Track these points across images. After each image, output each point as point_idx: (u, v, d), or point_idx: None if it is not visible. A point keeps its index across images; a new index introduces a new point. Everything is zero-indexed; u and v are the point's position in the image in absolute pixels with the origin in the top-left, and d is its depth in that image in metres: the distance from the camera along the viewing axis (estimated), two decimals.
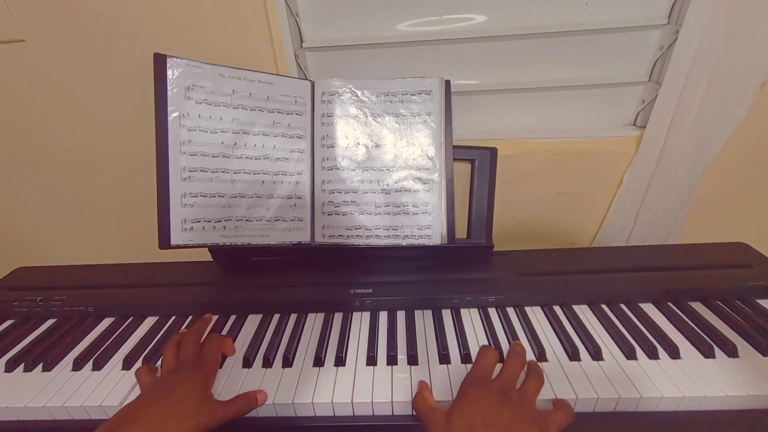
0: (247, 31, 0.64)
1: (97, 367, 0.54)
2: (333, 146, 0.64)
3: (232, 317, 0.61)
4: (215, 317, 0.61)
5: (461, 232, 0.67)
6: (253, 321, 0.60)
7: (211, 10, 0.63)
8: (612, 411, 0.46)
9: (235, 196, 0.60)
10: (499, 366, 0.48)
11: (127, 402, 0.48)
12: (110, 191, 0.83)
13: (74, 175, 0.81)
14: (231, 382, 0.50)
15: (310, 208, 0.65)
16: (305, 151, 0.64)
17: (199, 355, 0.49)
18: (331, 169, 0.64)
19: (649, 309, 0.58)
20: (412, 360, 0.51)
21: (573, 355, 0.50)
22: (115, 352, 0.56)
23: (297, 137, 0.64)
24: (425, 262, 0.66)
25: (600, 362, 0.50)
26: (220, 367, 0.52)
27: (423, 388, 0.46)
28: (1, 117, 0.75)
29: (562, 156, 0.72)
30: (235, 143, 0.60)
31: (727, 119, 0.64)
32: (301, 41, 0.69)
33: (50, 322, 0.63)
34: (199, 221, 0.58)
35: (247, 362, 0.52)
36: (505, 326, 0.56)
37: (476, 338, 0.55)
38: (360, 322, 0.59)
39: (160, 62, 0.55)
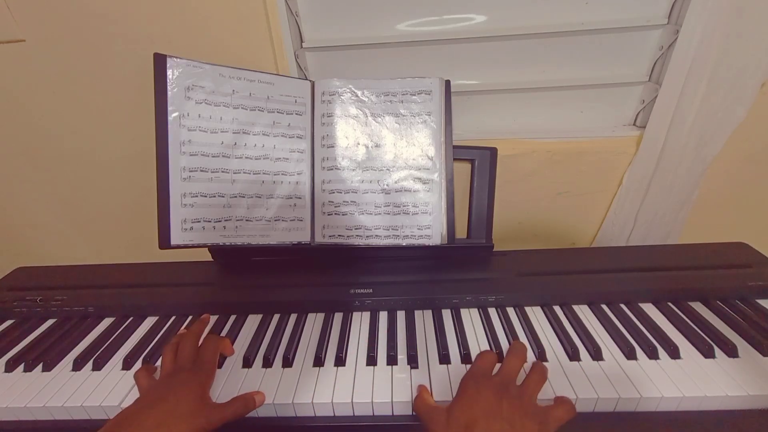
0: (247, 31, 0.64)
1: (97, 367, 0.54)
2: (333, 146, 0.64)
3: (232, 317, 0.61)
4: (214, 318, 0.61)
5: (461, 232, 0.67)
6: (253, 321, 0.60)
7: (211, 10, 0.63)
8: (612, 411, 0.46)
9: (235, 196, 0.60)
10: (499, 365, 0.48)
11: (126, 402, 0.48)
12: (110, 191, 0.83)
13: (74, 175, 0.81)
14: (231, 382, 0.50)
15: (310, 208, 0.65)
16: (305, 151, 0.64)
17: (197, 357, 0.49)
18: (331, 169, 0.64)
19: (649, 309, 0.58)
20: (412, 360, 0.51)
21: (573, 355, 0.50)
22: (115, 352, 0.56)
23: (297, 137, 0.64)
24: (425, 262, 0.66)
25: (600, 362, 0.50)
26: (220, 368, 0.52)
27: (422, 391, 0.46)
28: (1, 117, 0.75)
29: (562, 156, 0.72)
30: (235, 143, 0.60)
31: (727, 119, 0.64)
32: (301, 41, 0.69)
33: (50, 322, 0.63)
34: (199, 221, 0.58)
35: (247, 362, 0.52)
36: (505, 326, 0.56)
37: (476, 338, 0.55)
38: (360, 322, 0.59)
39: (160, 62, 0.55)
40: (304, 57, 0.70)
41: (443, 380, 0.48)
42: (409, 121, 0.64)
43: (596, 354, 0.50)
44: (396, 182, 0.64)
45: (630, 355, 0.50)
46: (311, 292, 0.62)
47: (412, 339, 0.54)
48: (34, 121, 0.76)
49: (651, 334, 0.53)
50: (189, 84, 0.56)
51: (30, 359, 0.55)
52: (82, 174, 0.81)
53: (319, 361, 0.52)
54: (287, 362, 0.52)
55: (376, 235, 0.64)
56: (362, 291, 0.61)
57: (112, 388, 0.50)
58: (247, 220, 0.62)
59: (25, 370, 0.54)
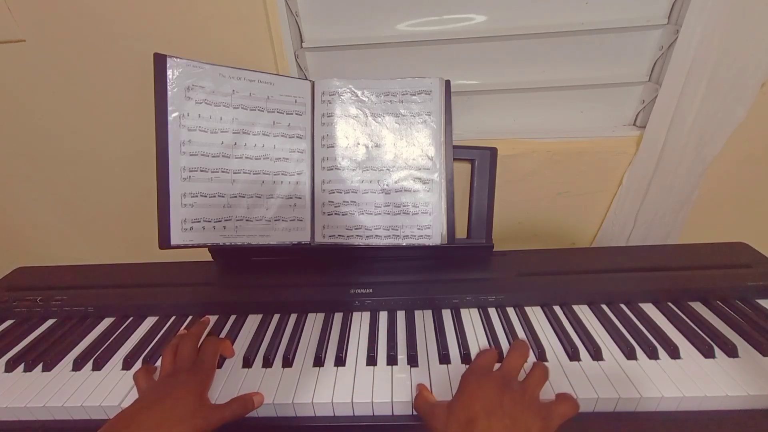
0: (247, 31, 0.64)
1: (97, 367, 0.54)
2: (333, 146, 0.64)
3: (232, 317, 0.61)
4: (214, 317, 0.61)
5: (461, 232, 0.67)
6: (253, 321, 0.60)
7: (211, 10, 0.63)
8: (612, 411, 0.46)
9: (235, 196, 0.60)
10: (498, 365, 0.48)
11: (126, 402, 0.48)
12: (110, 191, 0.83)
13: (74, 175, 0.81)
14: (231, 382, 0.50)
15: (310, 208, 0.65)
16: (305, 151, 0.64)
17: (196, 358, 0.49)
18: (331, 169, 0.64)
19: (649, 309, 0.58)
20: (412, 360, 0.51)
21: (573, 355, 0.50)
22: (115, 352, 0.56)
23: (297, 137, 0.64)
24: (425, 262, 0.66)
25: (600, 362, 0.50)
26: (220, 368, 0.52)
27: (422, 389, 0.46)
28: (1, 117, 0.75)
29: (562, 156, 0.72)
30: (235, 143, 0.60)
31: (727, 119, 0.64)
32: (301, 41, 0.69)
33: (50, 322, 0.63)
34: (199, 221, 0.58)
35: (247, 362, 0.52)
36: (505, 326, 0.56)
37: (476, 338, 0.55)
38: (360, 322, 0.59)
39: (160, 62, 0.55)
40: (304, 57, 0.70)
41: (443, 380, 0.48)
42: (409, 121, 0.64)
43: (596, 354, 0.50)
44: (396, 182, 0.64)
45: (630, 355, 0.50)
46: (311, 292, 0.62)
47: (412, 339, 0.54)
48: (34, 121, 0.76)
49: (651, 334, 0.53)
50: (189, 84, 0.56)
51: (30, 359, 0.55)
52: (82, 174, 0.81)
53: (319, 361, 0.52)
54: (287, 362, 0.52)
55: (376, 235, 0.64)
56: (362, 291, 0.61)
57: (112, 388, 0.50)
58: (247, 220, 0.62)
59: (25, 370, 0.54)
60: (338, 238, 0.65)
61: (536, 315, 0.58)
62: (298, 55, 0.68)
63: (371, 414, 0.47)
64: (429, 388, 0.47)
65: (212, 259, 0.69)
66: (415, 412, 0.46)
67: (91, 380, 0.52)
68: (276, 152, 0.62)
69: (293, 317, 0.60)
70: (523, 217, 0.81)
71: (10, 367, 0.54)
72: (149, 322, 0.62)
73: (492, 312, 0.59)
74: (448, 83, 0.64)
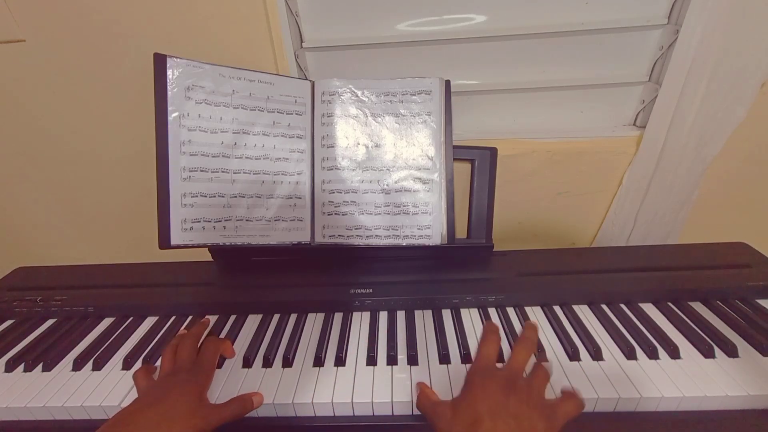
0: (247, 31, 0.64)
1: (97, 367, 0.54)
2: (333, 146, 0.64)
3: (232, 317, 0.61)
4: (214, 317, 0.61)
5: (461, 232, 0.67)
6: (253, 321, 0.60)
7: (211, 10, 0.63)
8: (612, 411, 0.46)
9: (235, 196, 0.60)
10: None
11: (126, 402, 0.48)
12: (110, 191, 0.83)
13: (74, 175, 0.81)
14: (231, 382, 0.50)
15: (310, 208, 0.65)
16: (305, 151, 0.64)
17: (196, 358, 0.49)
18: (331, 169, 0.64)
19: (649, 309, 0.58)
20: (412, 360, 0.51)
21: (573, 355, 0.50)
22: (115, 352, 0.56)
23: (297, 137, 0.64)
24: (425, 262, 0.66)
25: (600, 362, 0.50)
26: (220, 368, 0.52)
27: (424, 388, 0.46)
28: (1, 117, 0.75)
29: (562, 156, 0.72)
30: (235, 143, 0.60)
31: (727, 119, 0.64)
32: (301, 41, 0.69)
33: (50, 322, 0.63)
34: (199, 221, 0.58)
35: (247, 362, 0.52)
36: (505, 326, 0.56)
37: (476, 338, 0.55)
38: (360, 322, 0.59)
39: (160, 62, 0.55)
40: (304, 57, 0.70)
41: (443, 380, 0.48)
42: (409, 121, 0.64)
43: (596, 354, 0.50)
44: (396, 182, 0.64)
45: (630, 355, 0.50)
46: (311, 292, 0.62)
47: (412, 339, 0.54)
48: (34, 121, 0.76)
49: (651, 334, 0.53)
50: (189, 84, 0.56)
51: (30, 359, 0.55)
52: (82, 174, 0.81)
53: (319, 361, 0.52)
54: (287, 362, 0.52)
55: (376, 235, 0.64)
56: (362, 291, 0.61)
57: (112, 388, 0.50)
58: (247, 220, 0.62)
59: (25, 370, 0.54)
60: (338, 238, 0.65)
61: (536, 315, 0.58)
62: (298, 55, 0.68)
63: (371, 414, 0.47)
64: (424, 383, 0.47)
65: (212, 259, 0.69)
66: (416, 412, 0.46)
67: (91, 380, 0.52)
68: (276, 152, 0.62)
69: (293, 317, 0.60)
70: (523, 217, 0.81)
71: (10, 367, 0.54)
72: (149, 322, 0.62)
73: (492, 312, 0.59)
74: (448, 83, 0.64)
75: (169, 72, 0.55)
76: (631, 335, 0.53)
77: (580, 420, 0.43)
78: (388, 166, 0.64)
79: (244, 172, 0.61)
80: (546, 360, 0.50)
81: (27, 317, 0.64)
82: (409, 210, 0.64)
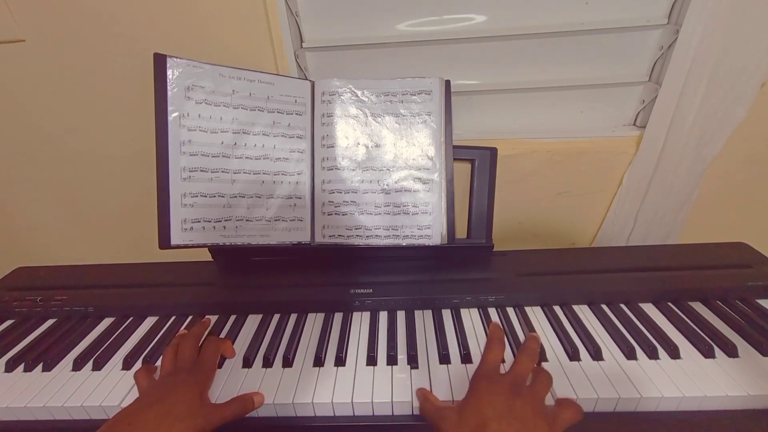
0: (247, 31, 0.64)
1: (97, 367, 0.54)
2: (333, 146, 0.64)
3: (232, 317, 0.61)
4: (214, 317, 0.61)
5: (461, 232, 0.67)
6: (253, 321, 0.60)
7: (211, 10, 0.63)
8: (612, 411, 0.46)
9: (235, 196, 0.60)
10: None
11: (126, 402, 0.48)
12: (110, 191, 0.83)
13: (74, 175, 0.81)
14: (231, 382, 0.50)
15: (310, 208, 0.65)
16: (305, 151, 0.64)
17: (197, 358, 0.49)
18: (331, 169, 0.64)
19: (649, 309, 0.58)
20: (412, 360, 0.51)
21: (573, 355, 0.50)
22: (115, 352, 0.56)
23: (297, 137, 0.64)
24: (425, 262, 0.66)
25: (600, 362, 0.50)
26: (220, 368, 0.52)
27: (427, 394, 0.46)
28: (1, 117, 0.75)
29: (562, 156, 0.72)
30: (235, 143, 0.60)
31: (727, 119, 0.64)
32: (301, 41, 0.69)
33: (50, 322, 0.63)
34: (199, 221, 0.58)
35: (247, 362, 0.52)
36: (505, 326, 0.56)
37: (476, 338, 0.55)
38: (360, 322, 0.59)
39: (160, 62, 0.55)
40: (304, 57, 0.70)
41: (443, 380, 0.48)
42: (409, 121, 0.64)
43: (596, 354, 0.50)
44: (396, 182, 0.64)
45: (630, 355, 0.50)
46: (311, 292, 0.62)
47: (412, 339, 0.54)
48: (34, 121, 0.76)
49: (651, 334, 0.53)
50: (189, 84, 0.56)
51: (30, 359, 0.55)
52: (82, 174, 0.81)
53: (319, 361, 0.52)
54: (287, 362, 0.52)
55: (376, 235, 0.64)
56: (362, 291, 0.61)
57: (112, 388, 0.50)
58: (247, 220, 0.62)
59: (25, 370, 0.54)
60: (338, 238, 0.65)
61: (536, 315, 0.58)
62: (298, 55, 0.68)
63: (371, 414, 0.47)
64: (429, 389, 0.47)
65: (212, 259, 0.69)
66: (416, 412, 0.46)
67: (91, 380, 0.52)
68: (276, 152, 0.62)
69: (293, 317, 0.60)
70: (523, 217, 0.81)
71: (10, 367, 0.54)
72: (149, 322, 0.62)
73: (492, 312, 0.59)
74: (448, 83, 0.64)
75: (169, 72, 0.55)
76: (631, 335, 0.53)
77: (578, 423, 0.43)
78: (388, 166, 0.64)
79: (244, 172, 0.61)
80: (546, 360, 0.51)
81: (27, 317, 0.64)
82: (409, 210, 0.64)
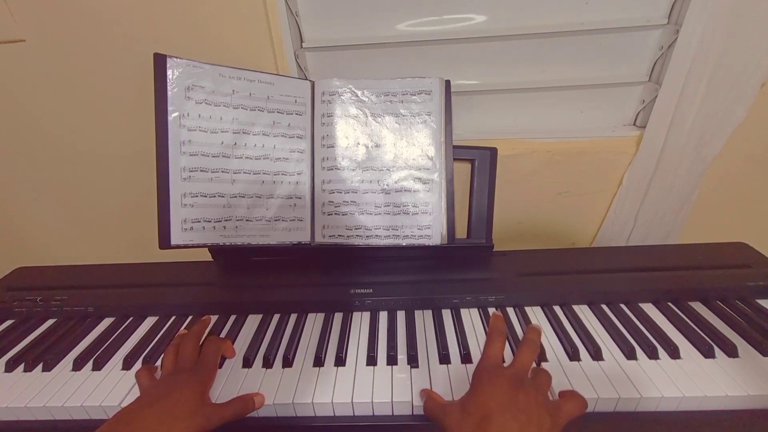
0: (247, 31, 0.64)
1: (97, 367, 0.54)
2: (333, 146, 0.64)
3: (232, 317, 0.61)
4: (214, 317, 0.61)
5: (461, 232, 0.67)
6: (253, 321, 0.60)
7: (211, 10, 0.63)
8: (612, 411, 0.46)
9: (235, 196, 0.60)
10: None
11: (126, 402, 0.48)
12: (110, 191, 0.83)
13: (74, 175, 0.81)
14: (231, 382, 0.50)
15: (310, 208, 0.65)
16: (305, 151, 0.64)
17: (198, 358, 0.49)
18: (331, 169, 0.64)
19: (649, 309, 0.58)
20: (412, 360, 0.51)
21: (573, 355, 0.50)
22: (115, 352, 0.56)
23: (297, 137, 0.64)
24: (425, 262, 0.66)
25: (600, 362, 0.50)
26: (220, 368, 0.52)
27: (430, 393, 0.46)
28: (1, 117, 0.75)
29: (562, 156, 0.72)
30: (235, 143, 0.60)
31: (727, 119, 0.64)
32: (301, 41, 0.69)
33: (50, 322, 0.63)
34: (199, 221, 0.58)
35: (247, 362, 0.52)
36: (506, 326, 0.56)
37: (476, 338, 0.55)
38: (360, 322, 0.59)
39: (160, 62, 0.55)
40: (304, 57, 0.70)
41: (443, 380, 0.48)
42: (409, 121, 0.64)
43: (596, 354, 0.50)
44: (396, 182, 0.64)
45: (630, 355, 0.50)
46: (311, 292, 0.62)
47: (412, 339, 0.54)
48: (34, 121, 0.76)
49: (651, 334, 0.53)
50: (189, 84, 0.56)
51: (30, 359, 0.55)
52: (82, 174, 0.81)
53: (319, 361, 0.52)
54: (287, 362, 0.52)
55: (376, 235, 0.64)
56: (362, 291, 0.61)
57: (112, 388, 0.50)
58: (247, 220, 0.62)
59: (25, 370, 0.54)
60: (338, 238, 0.65)
61: (536, 315, 0.58)
62: (298, 55, 0.68)
63: (371, 414, 0.47)
64: (430, 389, 0.47)
65: (212, 259, 0.69)
66: (416, 412, 0.46)
67: (91, 380, 0.52)
68: (276, 152, 0.62)
69: (293, 317, 0.60)
70: (523, 217, 0.81)
71: (10, 367, 0.54)
72: (149, 322, 0.62)
73: (492, 312, 0.59)
74: (448, 83, 0.64)
75: (169, 72, 0.55)
76: (631, 335, 0.53)
77: (580, 420, 0.43)
78: (388, 166, 0.64)
79: (244, 172, 0.61)
80: (546, 360, 0.51)
81: (27, 317, 0.64)
82: (409, 210, 0.64)
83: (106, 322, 0.62)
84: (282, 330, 0.57)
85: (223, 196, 0.60)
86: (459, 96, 0.71)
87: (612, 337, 0.53)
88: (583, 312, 0.58)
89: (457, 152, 0.65)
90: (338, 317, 0.60)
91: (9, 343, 0.59)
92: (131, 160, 0.78)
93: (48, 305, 0.64)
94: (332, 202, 0.65)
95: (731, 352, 0.49)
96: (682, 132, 0.66)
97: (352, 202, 0.64)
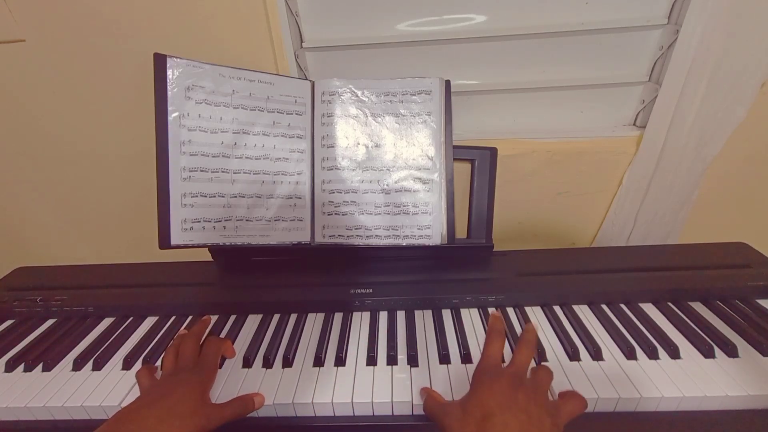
0: (247, 31, 0.64)
1: (97, 367, 0.54)
2: (333, 146, 0.64)
3: (232, 317, 0.61)
4: (214, 317, 0.61)
5: (461, 232, 0.67)
6: (253, 321, 0.60)
7: (211, 10, 0.63)
8: (612, 411, 0.46)
9: (235, 196, 0.60)
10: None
11: (126, 402, 0.48)
12: (110, 191, 0.83)
13: (74, 175, 0.81)
14: (231, 382, 0.50)
15: (310, 208, 0.65)
16: (305, 151, 0.64)
17: (198, 358, 0.49)
18: (331, 169, 0.64)
19: (649, 309, 0.58)
20: (412, 360, 0.51)
21: (573, 355, 0.50)
22: (115, 352, 0.56)
23: (297, 137, 0.64)
24: (425, 262, 0.66)
25: (600, 362, 0.50)
26: (220, 368, 0.52)
27: (430, 392, 0.46)
28: (1, 117, 0.75)
29: (562, 156, 0.72)
30: (235, 143, 0.60)
31: (727, 119, 0.64)
32: (301, 41, 0.69)
33: (50, 322, 0.63)
34: (199, 221, 0.58)
35: (247, 362, 0.52)
36: (505, 326, 0.56)
37: (476, 338, 0.55)
38: (360, 322, 0.59)
39: (160, 62, 0.55)
40: (304, 57, 0.70)
41: (443, 380, 0.48)
42: (409, 121, 0.64)
43: (596, 354, 0.50)
44: (396, 182, 0.64)
45: (630, 355, 0.50)
46: (311, 292, 0.62)
47: (412, 339, 0.54)
48: (34, 121, 0.76)
49: (651, 334, 0.53)
50: (189, 84, 0.56)
51: (30, 359, 0.55)
52: (82, 174, 0.81)
53: (319, 361, 0.52)
54: (287, 362, 0.52)
55: (376, 235, 0.64)
56: (362, 291, 0.61)
57: (112, 388, 0.50)
58: (247, 220, 0.62)
59: (25, 370, 0.54)
60: (338, 238, 0.65)
61: (536, 315, 0.58)
62: (298, 55, 0.68)
63: (371, 414, 0.47)
64: (430, 388, 0.47)
65: (212, 259, 0.69)
66: (416, 412, 0.46)
67: (91, 380, 0.52)
68: (276, 152, 0.62)
69: (293, 317, 0.60)
70: (523, 217, 0.81)
71: (10, 367, 0.54)
72: (149, 322, 0.62)
73: (492, 312, 0.59)
74: (448, 83, 0.64)
75: (169, 72, 0.55)
76: (631, 335, 0.53)
77: (580, 420, 0.43)
78: (388, 166, 0.64)
79: (244, 172, 0.61)
80: (546, 360, 0.51)
81: (27, 317, 0.64)
82: (409, 210, 0.64)
83: (106, 322, 0.62)
84: (282, 330, 0.57)
85: (223, 196, 0.60)
86: (459, 96, 0.71)
87: (612, 337, 0.53)
88: (583, 312, 0.58)
89: (457, 152, 0.65)
90: (338, 317, 0.60)
91: (9, 343, 0.59)
92: (131, 160, 0.78)
93: (48, 305, 0.64)
94: (332, 202, 0.65)
95: (731, 352, 0.49)
96: (682, 132, 0.66)
97: (352, 202, 0.64)
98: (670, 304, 0.58)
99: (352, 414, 0.47)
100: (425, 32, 0.67)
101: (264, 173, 0.62)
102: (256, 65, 0.62)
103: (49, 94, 0.72)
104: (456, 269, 0.64)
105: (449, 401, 0.44)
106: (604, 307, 0.59)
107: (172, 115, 0.56)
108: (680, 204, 0.74)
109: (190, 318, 0.62)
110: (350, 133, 0.64)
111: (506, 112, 0.75)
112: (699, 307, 0.57)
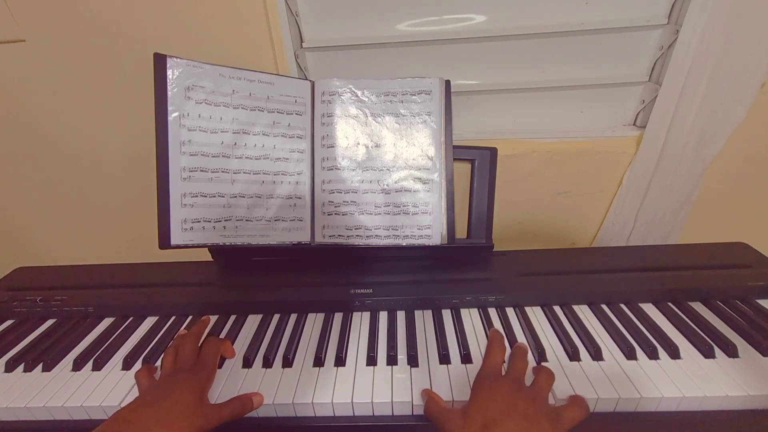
0: (248, 31, 0.64)
1: (97, 367, 0.54)
2: (333, 146, 0.64)
3: (232, 317, 0.61)
4: (214, 317, 0.61)
5: (461, 232, 0.67)
6: (253, 321, 0.60)
7: (211, 10, 0.63)
8: (612, 411, 0.46)
9: (235, 196, 0.60)
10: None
11: (126, 402, 0.48)
12: (110, 191, 0.83)
13: (74, 175, 0.81)
14: (231, 382, 0.50)
15: (310, 208, 0.65)
16: (305, 151, 0.64)
17: (197, 358, 0.49)
18: (331, 169, 0.64)
19: (649, 309, 0.58)
20: (412, 360, 0.51)
21: (573, 355, 0.50)
22: (115, 352, 0.56)
23: (297, 137, 0.64)
24: (425, 262, 0.66)
25: (600, 362, 0.50)
26: (220, 368, 0.52)
27: (432, 394, 0.46)
28: (1, 117, 0.75)
29: (562, 156, 0.72)
30: (235, 143, 0.60)
31: (727, 119, 0.64)
32: (301, 41, 0.69)
33: (50, 322, 0.63)
34: (199, 221, 0.58)
35: (247, 362, 0.52)
36: (505, 326, 0.56)
37: (476, 338, 0.55)
38: (360, 322, 0.59)
39: (160, 62, 0.55)
40: (304, 57, 0.70)
41: (443, 380, 0.48)
42: (409, 121, 0.64)
43: (596, 354, 0.50)
44: (396, 182, 0.64)
45: (630, 355, 0.50)
46: (311, 292, 0.62)
47: (412, 339, 0.54)
48: (34, 121, 0.76)
49: (651, 334, 0.53)
50: (189, 84, 0.56)
51: (30, 359, 0.55)
52: (82, 174, 0.81)
53: (319, 361, 0.52)
54: (287, 362, 0.52)
55: (376, 235, 0.64)
56: (362, 291, 0.61)
57: (111, 388, 0.50)
58: (247, 220, 0.62)
59: (25, 370, 0.54)
60: (338, 238, 0.65)
61: (536, 315, 0.58)
62: (298, 55, 0.68)
63: (371, 414, 0.47)
64: (430, 389, 0.47)
65: (212, 259, 0.69)
66: (416, 412, 0.46)
67: (91, 380, 0.52)
68: (276, 152, 0.62)
69: (293, 317, 0.60)
70: (523, 217, 0.81)
71: (10, 367, 0.54)
72: (149, 322, 0.62)
73: (492, 312, 0.59)
74: (448, 83, 0.64)
75: (169, 72, 0.55)
76: (631, 335, 0.53)
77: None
78: (388, 166, 0.64)
79: (244, 172, 0.61)
80: (546, 360, 0.51)
81: (27, 317, 0.64)
82: (409, 210, 0.64)
83: (106, 322, 0.62)
84: (282, 330, 0.57)
85: (223, 196, 0.60)
86: (459, 96, 0.71)
87: (612, 337, 0.53)
88: (583, 312, 0.58)
89: (457, 152, 0.65)
90: (338, 317, 0.60)
91: (9, 343, 0.59)
92: (131, 160, 0.78)
93: (48, 305, 0.64)
94: (332, 202, 0.65)
95: (731, 352, 0.49)
96: (682, 132, 0.66)
97: (352, 202, 0.64)
98: (670, 304, 0.58)
99: (352, 414, 0.47)
100: (425, 32, 0.67)
101: (264, 173, 0.62)
102: (256, 65, 0.62)
103: (49, 94, 0.72)
104: (456, 269, 0.64)
105: (451, 408, 0.44)
106: (604, 307, 0.59)
107: (172, 115, 0.56)
108: (680, 204, 0.74)
109: (189, 318, 0.62)
110: (350, 133, 0.64)
111: (506, 112, 0.75)
112: (699, 307, 0.57)
